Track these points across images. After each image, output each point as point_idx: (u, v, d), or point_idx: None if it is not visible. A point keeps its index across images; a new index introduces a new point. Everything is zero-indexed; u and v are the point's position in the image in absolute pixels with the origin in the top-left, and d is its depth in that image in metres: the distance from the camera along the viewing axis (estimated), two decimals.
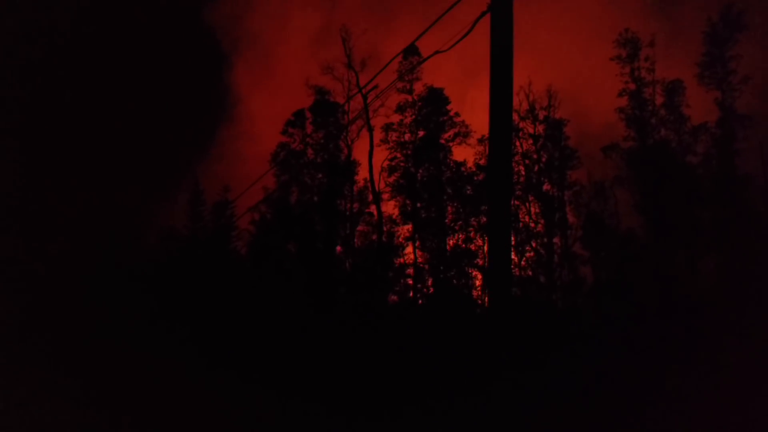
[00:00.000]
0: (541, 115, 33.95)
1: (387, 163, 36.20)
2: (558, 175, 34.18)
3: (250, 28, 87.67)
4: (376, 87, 33.67)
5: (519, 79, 33.32)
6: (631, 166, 31.53)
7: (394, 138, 36.48)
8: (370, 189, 35.89)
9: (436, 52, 13.64)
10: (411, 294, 36.82)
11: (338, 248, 36.76)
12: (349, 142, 36.06)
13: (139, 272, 38.98)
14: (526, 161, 34.19)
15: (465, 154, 36.98)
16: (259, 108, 70.82)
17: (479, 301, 36.95)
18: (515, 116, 32.55)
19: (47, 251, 39.74)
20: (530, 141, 33.90)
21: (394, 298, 37.35)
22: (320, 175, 36.27)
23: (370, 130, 35.66)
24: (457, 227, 35.83)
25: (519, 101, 33.75)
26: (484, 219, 35.61)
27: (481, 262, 34.41)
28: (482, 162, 35.04)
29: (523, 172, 34.11)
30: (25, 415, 18.56)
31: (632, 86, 31.61)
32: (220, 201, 41.24)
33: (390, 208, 36.78)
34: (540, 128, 33.88)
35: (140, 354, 27.25)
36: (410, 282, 37.15)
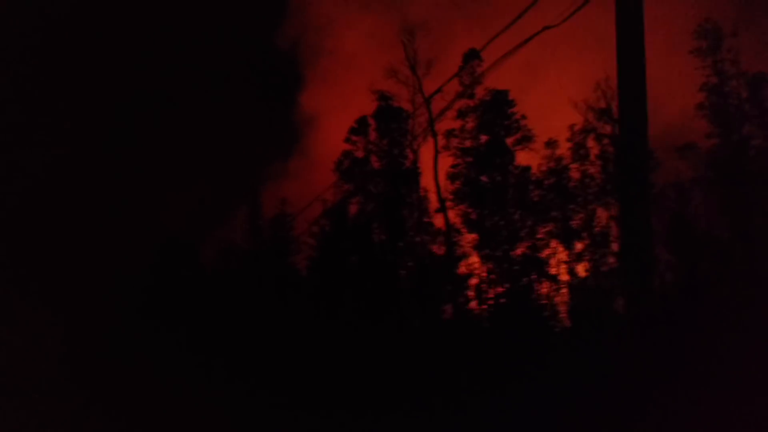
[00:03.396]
0: (617, 113, 32.35)
1: (450, 170, 35.17)
2: None
3: (318, 42, 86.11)
4: (440, 92, 32.89)
5: (595, 74, 31.76)
6: (713, 166, 29.91)
7: (455, 144, 35.49)
8: (435, 197, 34.88)
9: (545, 28, 12.61)
10: (475, 305, 35.55)
11: (400, 259, 35.89)
12: (415, 147, 35.20)
13: (196, 284, 39.21)
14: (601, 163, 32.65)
15: (527, 159, 35.70)
16: (329, 121, 69.50)
17: (547, 312, 35.38)
18: (590, 116, 31.20)
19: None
20: (605, 141, 32.44)
21: (456, 308, 36.18)
22: (383, 184, 35.48)
23: (435, 136, 34.75)
24: (523, 235, 34.50)
25: (596, 98, 32.08)
26: (553, 226, 34.23)
27: (552, 271, 33.00)
28: (552, 165, 33.68)
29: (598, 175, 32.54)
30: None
31: (714, 80, 30.13)
32: (277, 214, 41.38)
33: (452, 216, 35.66)
34: (617, 129, 32.29)
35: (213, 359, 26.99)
36: (470, 295, 35.92)
